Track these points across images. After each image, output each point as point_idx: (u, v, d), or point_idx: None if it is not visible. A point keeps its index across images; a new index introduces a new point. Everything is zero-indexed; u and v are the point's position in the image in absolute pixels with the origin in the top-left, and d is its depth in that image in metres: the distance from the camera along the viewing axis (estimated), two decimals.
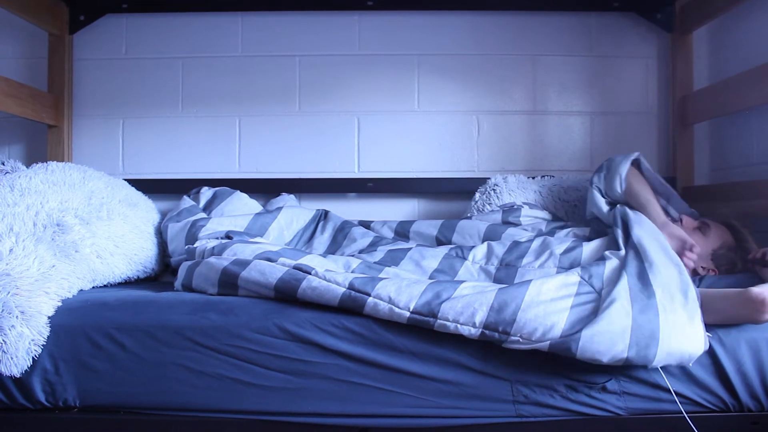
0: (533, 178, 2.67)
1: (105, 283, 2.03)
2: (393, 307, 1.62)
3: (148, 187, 2.65)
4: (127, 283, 2.17)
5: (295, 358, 1.65)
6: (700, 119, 2.80)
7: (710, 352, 1.63)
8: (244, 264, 1.81)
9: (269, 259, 1.83)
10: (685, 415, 1.60)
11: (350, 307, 1.66)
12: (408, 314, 1.61)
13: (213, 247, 1.97)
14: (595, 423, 1.64)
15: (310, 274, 1.72)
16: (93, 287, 1.97)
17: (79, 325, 1.68)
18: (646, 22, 2.89)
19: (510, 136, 2.90)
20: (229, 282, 1.81)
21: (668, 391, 1.61)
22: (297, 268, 1.75)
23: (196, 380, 1.66)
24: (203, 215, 2.38)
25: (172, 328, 1.67)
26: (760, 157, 2.54)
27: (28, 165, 2.21)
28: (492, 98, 2.89)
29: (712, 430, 1.68)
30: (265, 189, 2.81)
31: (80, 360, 1.66)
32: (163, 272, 2.34)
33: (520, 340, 1.55)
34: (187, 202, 2.47)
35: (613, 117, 2.92)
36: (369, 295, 1.64)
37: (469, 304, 1.59)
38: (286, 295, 1.73)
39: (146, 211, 2.33)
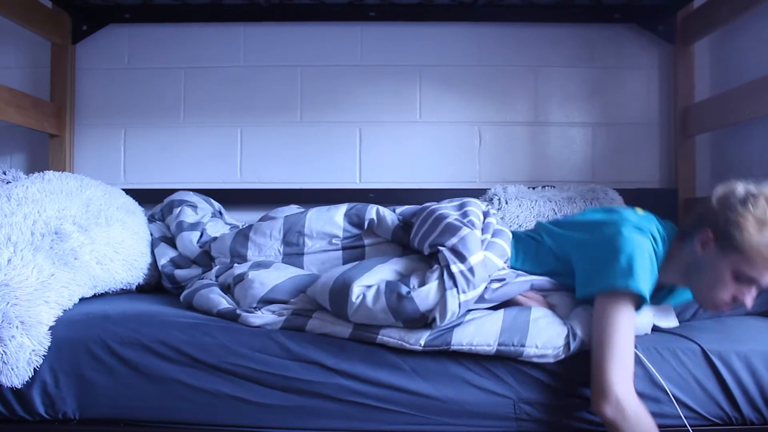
0: (534, 188, 2.67)
1: (106, 290, 2.02)
2: None
3: (150, 196, 2.64)
4: (128, 291, 2.16)
5: (295, 377, 1.65)
6: (701, 131, 2.80)
7: (711, 365, 1.65)
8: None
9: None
10: (686, 422, 1.61)
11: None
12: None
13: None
14: None
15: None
16: (94, 294, 1.97)
17: (80, 338, 1.68)
18: (648, 33, 2.89)
19: (512, 147, 2.90)
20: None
21: (672, 406, 1.61)
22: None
23: (196, 396, 1.66)
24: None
25: (174, 344, 1.68)
26: (761, 168, 2.53)
27: (29, 174, 2.20)
28: (494, 109, 2.90)
29: None
30: (266, 199, 2.81)
31: (80, 373, 1.66)
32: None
33: None
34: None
35: (615, 128, 2.92)
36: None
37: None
38: None
39: (143, 218, 2.32)
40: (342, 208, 2.07)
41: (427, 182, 2.86)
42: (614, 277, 1.59)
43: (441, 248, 1.69)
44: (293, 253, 2.01)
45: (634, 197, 2.73)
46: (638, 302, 1.61)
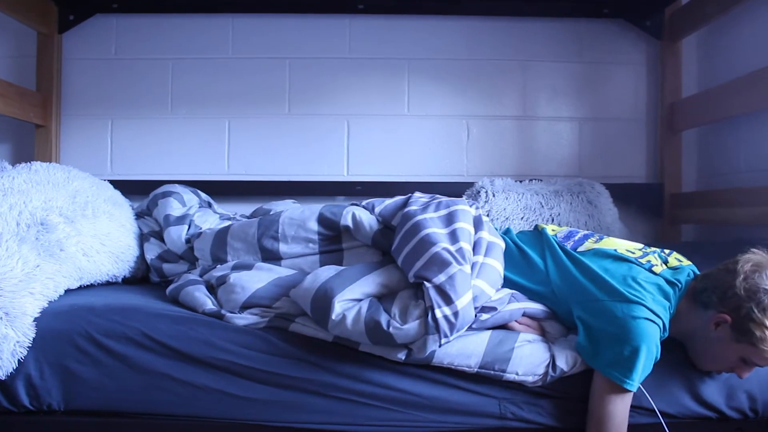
0: (521, 181, 2.67)
1: (92, 282, 2.01)
2: None
3: (137, 188, 2.64)
4: (114, 283, 2.15)
5: (280, 372, 1.65)
6: (688, 126, 2.82)
7: (687, 377, 1.67)
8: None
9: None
10: (663, 421, 1.63)
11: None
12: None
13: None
14: None
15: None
16: (80, 286, 1.96)
17: (65, 330, 1.67)
18: (636, 29, 2.90)
19: (500, 141, 2.91)
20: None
21: (651, 409, 1.63)
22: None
23: (180, 389, 1.66)
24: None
25: (159, 338, 1.67)
26: (747, 164, 2.55)
27: (15, 165, 2.19)
28: (482, 103, 2.90)
29: None
30: (253, 191, 2.81)
31: (66, 365, 1.65)
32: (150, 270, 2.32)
33: None
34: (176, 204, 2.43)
35: (602, 123, 2.93)
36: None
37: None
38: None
39: (130, 210, 2.31)
40: (315, 213, 1.98)
41: (414, 175, 2.86)
42: (613, 366, 1.57)
43: (427, 285, 1.58)
44: (270, 259, 1.96)
45: (620, 192, 2.74)
46: None
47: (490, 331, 1.69)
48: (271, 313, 1.74)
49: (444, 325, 1.54)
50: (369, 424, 1.65)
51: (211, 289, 1.90)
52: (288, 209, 2.06)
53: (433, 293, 1.56)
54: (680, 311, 1.67)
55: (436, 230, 1.72)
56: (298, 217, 1.98)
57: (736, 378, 1.65)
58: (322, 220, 1.95)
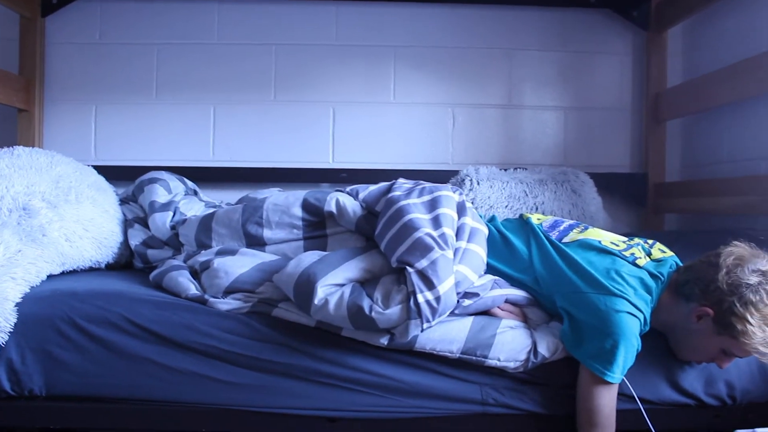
0: (505, 170, 2.68)
1: (74, 268, 2.00)
2: None
3: (121, 173, 2.63)
4: (97, 269, 2.14)
5: (263, 358, 1.66)
6: (672, 116, 2.83)
7: (667, 366, 1.69)
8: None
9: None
10: (641, 407, 1.65)
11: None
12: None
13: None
14: (563, 419, 1.68)
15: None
16: (62, 271, 1.95)
17: (47, 315, 1.67)
18: (622, 19, 2.91)
19: (485, 129, 2.91)
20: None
21: (631, 396, 1.65)
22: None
23: (163, 374, 1.66)
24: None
25: (142, 323, 1.67)
26: (729, 155, 2.57)
27: None
28: (468, 91, 2.90)
29: (676, 423, 1.72)
30: (238, 178, 2.81)
31: (47, 350, 1.65)
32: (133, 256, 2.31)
33: None
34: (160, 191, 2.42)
35: (587, 112, 2.94)
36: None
37: None
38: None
39: (114, 196, 2.30)
40: (299, 198, 1.98)
41: (400, 163, 2.86)
42: (595, 358, 1.58)
43: (409, 270, 1.59)
44: (254, 244, 1.96)
45: (604, 181, 2.76)
46: None
47: (473, 317, 1.71)
48: (255, 298, 1.74)
49: (426, 310, 1.55)
50: (351, 410, 1.67)
51: (195, 274, 1.90)
52: (272, 195, 2.06)
53: (415, 278, 1.57)
54: (662, 303, 1.68)
55: (419, 216, 1.73)
56: (283, 203, 1.98)
57: (716, 366, 1.67)
58: (306, 205, 1.95)
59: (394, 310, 1.56)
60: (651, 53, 2.89)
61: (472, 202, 2.46)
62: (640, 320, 1.62)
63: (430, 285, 1.56)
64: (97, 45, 2.86)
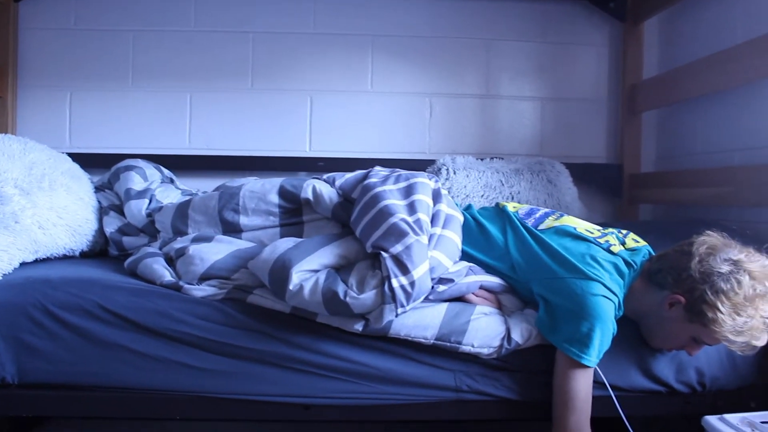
0: (482, 159, 2.69)
1: (48, 255, 1.99)
2: None
3: (96, 161, 2.60)
4: (71, 257, 2.13)
5: (238, 344, 1.66)
6: (648, 108, 2.86)
7: (638, 353, 1.72)
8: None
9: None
10: (612, 393, 1.66)
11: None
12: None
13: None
14: (537, 405, 1.70)
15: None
16: (35, 259, 1.94)
17: (20, 303, 1.65)
18: (599, 10, 2.92)
19: (462, 119, 2.92)
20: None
21: (602, 383, 1.67)
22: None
23: (138, 361, 1.66)
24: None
25: (116, 310, 1.66)
26: (704, 146, 2.60)
27: None
28: (445, 81, 2.91)
29: (647, 409, 1.74)
30: (215, 166, 2.79)
31: (20, 338, 1.64)
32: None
33: None
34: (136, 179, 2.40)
35: (564, 103, 2.96)
36: None
37: None
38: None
39: (89, 184, 2.28)
40: (276, 185, 1.98)
41: (377, 152, 2.86)
42: (571, 342, 1.60)
43: (384, 255, 1.60)
44: (231, 231, 1.96)
45: (580, 171, 2.78)
46: None
47: (447, 303, 1.72)
48: (230, 284, 1.74)
49: (400, 295, 1.56)
50: (326, 396, 1.67)
51: (170, 261, 1.89)
52: (249, 182, 2.05)
53: (389, 263, 1.58)
54: (635, 290, 1.71)
55: (395, 201, 1.74)
56: (259, 190, 1.98)
57: (686, 354, 1.70)
58: (282, 192, 1.95)
59: (369, 295, 1.57)
60: (627, 45, 2.91)
61: (449, 192, 2.47)
62: (614, 304, 1.64)
63: (405, 270, 1.57)
64: (72, 31, 2.82)
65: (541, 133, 2.95)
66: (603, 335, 1.59)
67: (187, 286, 1.74)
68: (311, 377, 1.66)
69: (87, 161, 2.45)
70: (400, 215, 1.68)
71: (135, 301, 1.68)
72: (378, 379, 1.67)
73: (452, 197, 2.42)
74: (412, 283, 1.57)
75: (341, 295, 1.58)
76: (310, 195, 1.92)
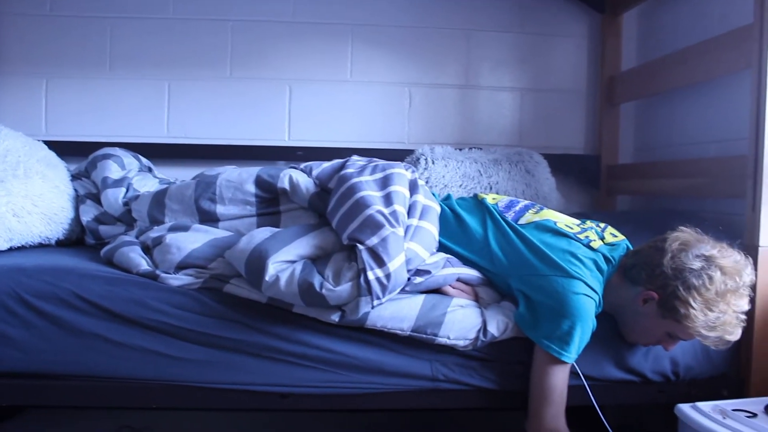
0: (460, 149, 2.69)
1: (23, 243, 1.97)
2: None
3: (73, 149, 2.58)
4: (46, 245, 2.11)
5: (214, 333, 1.66)
6: (626, 99, 2.87)
7: (614, 343, 1.74)
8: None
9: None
10: (586, 384, 1.68)
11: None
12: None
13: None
14: (512, 395, 1.71)
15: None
16: (10, 248, 1.92)
17: None
18: (578, 2, 2.94)
19: (441, 109, 2.92)
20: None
21: (575, 373, 1.69)
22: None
23: (114, 350, 1.65)
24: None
25: (91, 298, 1.65)
26: (681, 137, 2.62)
27: None
28: (425, 71, 2.91)
29: (622, 398, 1.76)
30: (193, 154, 2.78)
31: None
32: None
33: None
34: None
35: (543, 94, 2.97)
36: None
37: None
38: None
39: (65, 172, 2.26)
40: (253, 175, 1.97)
41: (356, 141, 2.85)
42: (552, 340, 1.61)
43: (359, 247, 1.60)
44: (207, 220, 1.95)
45: (558, 162, 2.79)
46: None
47: (424, 295, 1.72)
48: (206, 274, 1.73)
49: (376, 287, 1.56)
50: (303, 385, 1.68)
51: (147, 250, 1.88)
52: (226, 171, 2.04)
53: (365, 255, 1.58)
54: (611, 285, 1.72)
55: (371, 193, 1.74)
56: (236, 179, 1.97)
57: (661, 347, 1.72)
58: (259, 182, 1.95)
59: (345, 287, 1.57)
60: (606, 37, 2.92)
61: (427, 182, 2.47)
62: (595, 301, 1.66)
63: (381, 262, 1.57)
64: (48, 17, 2.79)
65: (520, 123, 2.95)
66: (583, 333, 1.61)
67: (163, 275, 1.73)
68: (288, 366, 1.66)
69: (64, 149, 2.43)
70: (376, 207, 1.68)
71: (111, 289, 1.67)
72: (354, 368, 1.67)
73: (430, 187, 2.42)
74: (387, 276, 1.57)
75: (317, 287, 1.58)
76: (286, 185, 1.92)
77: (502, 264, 1.77)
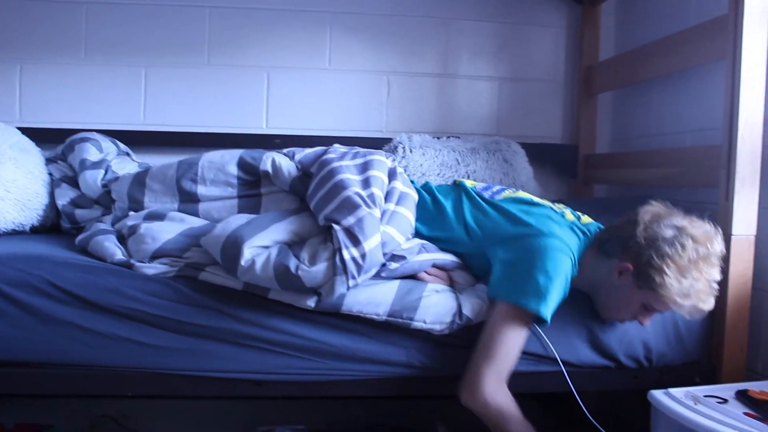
0: (438, 138, 2.69)
1: None
2: None
3: (48, 136, 2.53)
4: (21, 232, 2.09)
5: (190, 321, 1.65)
6: (603, 89, 2.89)
7: (589, 328, 1.76)
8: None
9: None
10: (564, 370, 1.69)
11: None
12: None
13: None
14: None
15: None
16: None
17: None
18: None
19: (419, 97, 2.91)
20: None
21: (554, 359, 1.70)
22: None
23: (90, 339, 1.64)
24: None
25: (65, 286, 1.64)
26: (658, 127, 2.64)
27: None
28: (403, 59, 2.90)
29: (596, 384, 1.78)
30: (170, 142, 2.75)
31: None
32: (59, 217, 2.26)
33: None
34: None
35: (521, 84, 2.97)
36: None
37: None
38: None
39: (40, 157, 2.24)
40: (235, 157, 1.97)
41: (334, 129, 2.84)
42: (526, 296, 1.60)
43: (335, 227, 1.62)
44: (188, 201, 1.95)
45: (536, 152, 2.80)
46: (538, 320, 1.65)
47: (399, 281, 1.73)
48: (181, 262, 1.73)
49: (351, 267, 1.57)
50: (278, 372, 1.68)
51: (122, 238, 1.87)
52: (208, 153, 2.04)
53: (341, 235, 1.59)
54: (587, 261, 1.74)
55: (350, 176, 1.75)
56: (218, 160, 1.97)
57: (634, 329, 1.74)
58: (242, 164, 1.95)
59: (320, 268, 1.58)
60: (584, 27, 2.93)
61: (405, 170, 2.47)
62: (572, 261, 1.68)
63: (356, 242, 1.58)
64: (22, 2, 2.74)
65: (498, 112, 2.96)
66: (559, 290, 1.63)
67: (138, 264, 1.72)
68: (263, 353, 1.66)
69: (38, 136, 2.39)
70: (354, 189, 1.69)
71: (85, 277, 1.66)
72: (330, 355, 1.67)
73: (408, 175, 2.42)
74: (363, 255, 1.58)
75: (293, 269, 1.58)
76: (269, 167, 1.92)
77: (478, 236, 1.80)
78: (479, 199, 1.87)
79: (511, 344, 1.62)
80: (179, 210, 1.95)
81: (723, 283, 1.80)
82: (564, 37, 3.00)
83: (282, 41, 2.84)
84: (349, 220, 1.61)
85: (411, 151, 2.54)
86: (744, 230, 1.83)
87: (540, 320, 1.63)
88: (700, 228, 1.64)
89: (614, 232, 1.72)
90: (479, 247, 1.79)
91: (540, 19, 2.99)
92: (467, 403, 1.61)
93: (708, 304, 1.63)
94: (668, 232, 1.61)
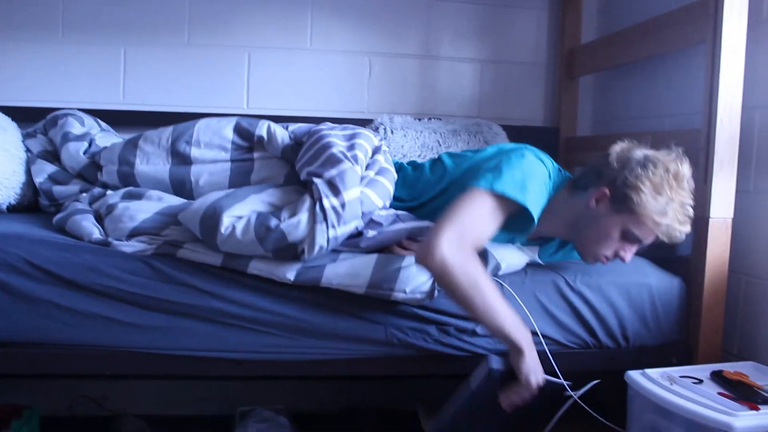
0: (419, 119, 2.69)
1: None
2: None
3: (25, 114, 2.50)
4: None
5: (168, 299, 1.65)
6: (585, 72, 2.89)
7: (568, 301, 1.78)
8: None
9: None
10: (546, 348, 1.71)
11: None
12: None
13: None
14: (466, 358, 1.72)
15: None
16: None
17: None
18: None
19: (401, 79, 2.90)
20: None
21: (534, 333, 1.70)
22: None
23: (65, 317, 1.63)
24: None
25: (42, 264, 1.63)
26: (639, 110, 2.65)
27: None
28: (385, 40, 2.88)
29: (575, 364, 1.79)
30: (150, 122, 2.70)
31: None
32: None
33: None
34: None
35: (503, 66, 2.97)
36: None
37: None
38: None
39: (17, 135, 2.22)
40: (232, 122, 2.01)
41: (315, 110, 2.82)
42: (504, 184, 1.64)
43: (316, 180, 1.67)
44: (180, 163, 1.96)
45: (517, 134, 2.80)
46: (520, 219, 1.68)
47: (377, 254, 1.74)
48: (159, 240, 1.72)
49: (331, 215, 1.61)
50: (258, 351, 1.68)
51: (100, 218, 1.86)
52: (205, 118, 2.08)
53: (322, 186, 1.64)
54: (562, 200, 1.79)
55: (337, 141, 1.81)
56: (215, 124, 2.01)
57: (612, 308, 1.76)
58: (238, 129, 1.99)
59: (301, 218, 1.61)
60: (566, 9, 2.93)
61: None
62: (548, 170, 1.76)
63: (336, 191, 1.64)
64: None
65: (480, 94, 2.96)
66: (537, 187, 1.69)
67: (116, 242, 1.72)
68: (243, 332, 1.66)
69: (15, 115, 2.36)
70: (339, 148, 1.76)
71: (62, 255, 1.65)
72: (310, 332, 1.68)
73: (391, 155, 2.43)
74: (342, 204, 1.63)
75: (273, 226, 1.61)
76: (264, 133, 1.96)
77: (459, 177, 1.84)
78: (458, 152, 2.00)
79: (477, 214, 1.63)
80: (170, 172, 1.97)
81: (700, 266, 1.83)
82: (546, 19, 3.00)
83: (263, 20, 2.81)
84: (332, 173, 1.67)
85: (392, 132, 2.54)
86: (721, 213, 1.85)
87: (523, 219, 1.68)
88: (669, 154, 1.70)
89: (587, 167, 1.80)
90: (458, 185, 1.79)
91: (522, 2, 2.98)
92: (423, 262, 1.59)
93: (685, 227, 1.67)
94: (639, 154, 1.69)
